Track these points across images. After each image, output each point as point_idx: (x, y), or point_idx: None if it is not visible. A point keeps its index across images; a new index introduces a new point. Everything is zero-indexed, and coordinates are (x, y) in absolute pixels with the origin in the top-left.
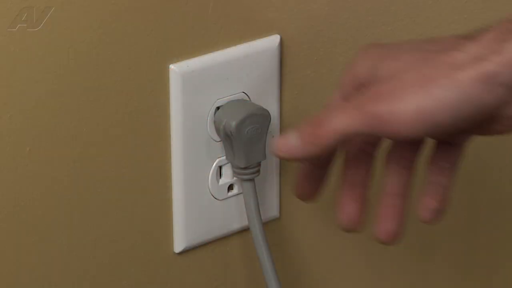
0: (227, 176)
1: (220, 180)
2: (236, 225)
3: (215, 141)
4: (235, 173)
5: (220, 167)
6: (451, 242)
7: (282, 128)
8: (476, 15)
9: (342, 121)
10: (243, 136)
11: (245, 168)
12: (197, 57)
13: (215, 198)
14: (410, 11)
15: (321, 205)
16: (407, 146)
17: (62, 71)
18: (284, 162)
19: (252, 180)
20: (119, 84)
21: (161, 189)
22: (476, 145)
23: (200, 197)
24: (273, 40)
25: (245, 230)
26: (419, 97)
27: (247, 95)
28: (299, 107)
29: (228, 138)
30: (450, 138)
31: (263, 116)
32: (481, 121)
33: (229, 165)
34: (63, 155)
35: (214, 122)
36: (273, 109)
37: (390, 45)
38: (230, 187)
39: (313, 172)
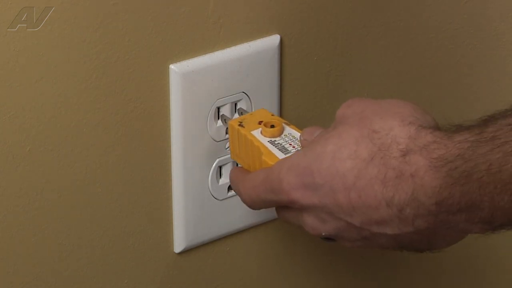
0: (227, 176)
1: (220, 180)
2: (236, 225)
3: (215, 141)
4: None
5: (220, 167)
6: None
7: None
8: (476, 15)
9: None
10: None
11: None
12: (197, 57)
13: (215, 198)
14: (410, 11)
15: None
16: None
17: (62, 71)
18: None
19: None
20: (119, 84)
21: (161, 189)
22: None
23: (200, 197)
24: (273, 40)
25: (245, 230)
26: None
27: (247, 95)
28: (299, 107)
29: None
30: None
31: None
32: None
33: (229, 165)
34: (63, 155)
35: None
36: (273, 109)
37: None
38: (230, 187)
39: None
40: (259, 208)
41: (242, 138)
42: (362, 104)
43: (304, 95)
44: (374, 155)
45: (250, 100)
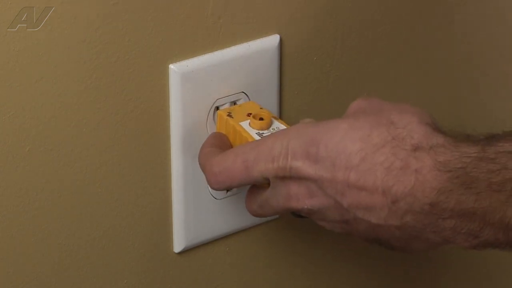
0: None
1: None
2: (235, 225)
3: None
4: None
5: None
6: None
7: None
8: (476, 15)
9: None
10: None
11: None
12: (197, 57)
13: (215, 198)
14: (410, 11)
15: None
16: None
17: (62, 71)
18: None
19: None
20: (119, 84)
21: (161, 189)
22: None
23: (200, 197)
24: (273, 40)
25: (245, 230)
26: None
27: (246, 95)
28: (299, 107)
29: None
30: None
31: None
32: None
33: None
34: (63, 155)
35: None
36: (273, 109)
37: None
38: None
39: None
40: (229, 184)
41: (230, 128)
42: (379, 100)
43: (304, 95)
44: (386, 143)
45: (249, 100)
